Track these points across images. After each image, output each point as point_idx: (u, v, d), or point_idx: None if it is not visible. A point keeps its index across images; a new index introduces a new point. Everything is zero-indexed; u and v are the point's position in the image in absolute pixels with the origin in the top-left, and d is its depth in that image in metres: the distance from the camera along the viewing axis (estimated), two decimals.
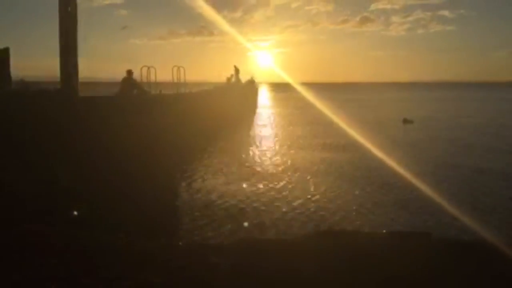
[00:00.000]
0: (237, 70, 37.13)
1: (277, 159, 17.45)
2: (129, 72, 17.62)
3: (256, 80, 42.00)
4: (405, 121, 31.49)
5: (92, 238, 5.11)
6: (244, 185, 12.88)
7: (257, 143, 22.10)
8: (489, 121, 33.76)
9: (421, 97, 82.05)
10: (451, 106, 53.29)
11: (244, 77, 38.74)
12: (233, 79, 36.53)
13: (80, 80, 17.82)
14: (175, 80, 21.54)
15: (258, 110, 43.91)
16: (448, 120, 34.56)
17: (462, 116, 38.83)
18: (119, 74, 17.99)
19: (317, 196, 11.69)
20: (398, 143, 21.51)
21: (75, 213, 7.41)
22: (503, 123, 32.43)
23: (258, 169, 15.45)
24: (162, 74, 20.89)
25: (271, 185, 12.85)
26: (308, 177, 13.97)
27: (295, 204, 10.95)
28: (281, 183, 13.09)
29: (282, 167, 15.66)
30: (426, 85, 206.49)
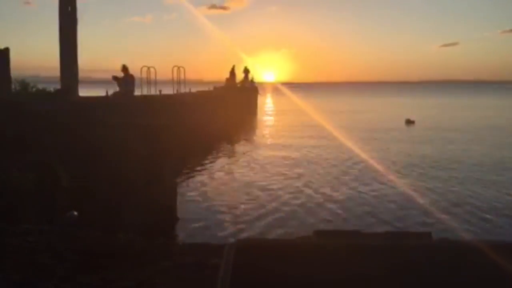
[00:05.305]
0: (233, 72, 36.23)
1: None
2: (124, 68, 17.17)
3: (251, 73, 38.76)
4: (408, 121, 31.37)
5: (92, 238, 5.10)
6: (244, 187, 12.87)
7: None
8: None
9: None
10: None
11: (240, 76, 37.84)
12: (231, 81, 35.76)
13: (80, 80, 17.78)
14: (175, 80, 21.58)
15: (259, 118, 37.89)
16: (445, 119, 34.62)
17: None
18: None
19: (317, 197, 11.69)
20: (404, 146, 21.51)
21: (75, 213, 7.39)
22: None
23: (258, 175, 15.44)
24: (164, 73, 20.81)
25: (272, 186, 12.84)
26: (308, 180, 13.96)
27: (295, 205, 10.95)
28: (283, 186, 13.08)
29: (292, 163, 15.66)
30: None
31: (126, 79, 16.61)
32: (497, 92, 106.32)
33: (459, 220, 9.68)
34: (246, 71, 38.14)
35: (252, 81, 38.06)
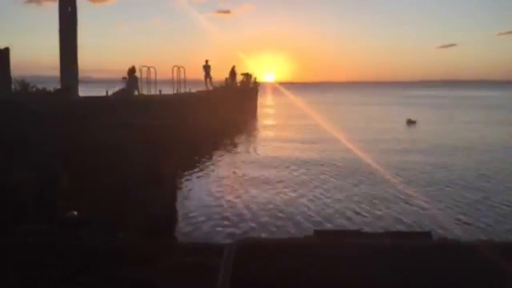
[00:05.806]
0: (233, 72, 35.42)
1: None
2: (133, 69, 17.33)
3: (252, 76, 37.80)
4: (409, 121, 31.05)
5: (92, 238, 5.10)
6: (245, 188, 12.87)
7: None
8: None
9: None
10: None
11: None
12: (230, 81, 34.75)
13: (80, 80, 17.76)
14: (175, 80, 21.57)
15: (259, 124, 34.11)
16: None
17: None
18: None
19: (317, 198, 11.68)
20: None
21: (75, 213, 7.39)
22: None
23: (259, 173, 15.42)
24: (164, 73, 20.85)
25: (272, 189, 12.84)
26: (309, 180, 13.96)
27: (295, 205, 10.94)
28: (284, 186, 13.08)
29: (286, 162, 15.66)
30: None
31: (131, 79, 16.98)
32: (496, 91, 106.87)
33: (459, 220, 9.67)
34: (247, 75, 37.04)
35: (249, 79, 37.43)
